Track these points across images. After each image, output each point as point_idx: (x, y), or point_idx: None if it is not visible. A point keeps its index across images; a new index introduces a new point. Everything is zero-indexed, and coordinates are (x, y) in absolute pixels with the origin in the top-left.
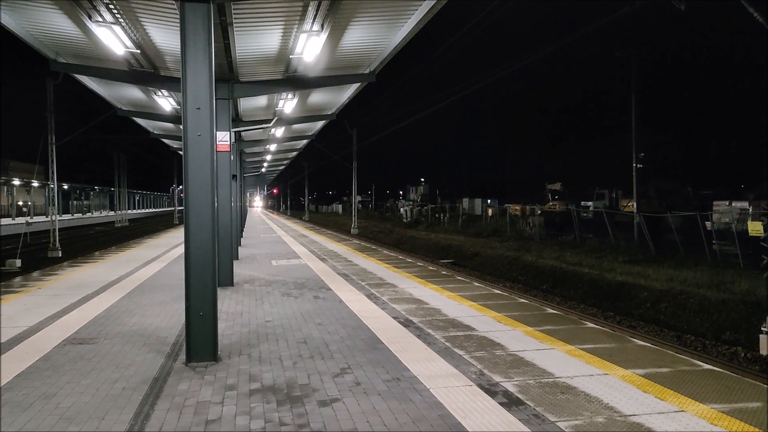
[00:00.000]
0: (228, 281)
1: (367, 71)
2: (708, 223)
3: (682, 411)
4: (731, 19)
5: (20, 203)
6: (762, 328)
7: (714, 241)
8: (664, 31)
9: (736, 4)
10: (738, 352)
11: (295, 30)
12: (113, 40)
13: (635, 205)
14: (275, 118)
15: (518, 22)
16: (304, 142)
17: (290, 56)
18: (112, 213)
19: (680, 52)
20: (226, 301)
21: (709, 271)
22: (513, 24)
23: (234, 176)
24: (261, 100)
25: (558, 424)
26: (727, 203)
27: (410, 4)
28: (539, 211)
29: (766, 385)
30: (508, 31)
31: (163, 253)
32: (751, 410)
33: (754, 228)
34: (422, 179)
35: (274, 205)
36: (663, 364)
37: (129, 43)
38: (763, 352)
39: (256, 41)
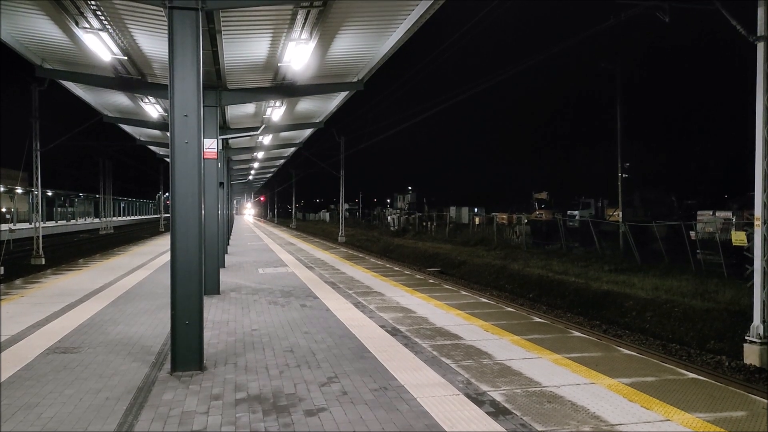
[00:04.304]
0: (214, 289)
1: (355, 80)
2: (692, 233)
3: (668, 420)
4: (714, 30)
5: (3, 210)
6: (746, 337)
7: (698, 251)
8: (649, 42)
9: (719, 16)
10: (722, 361)
11: (284, 38)
12: (100, 46)
13: (621, 215)
14: (263, 126)
15: (508, 26)
16: (292, 149)
17: (278, 64)
18: (96, 220)
19: (665, 60)
20: (212, 310)
21: (693, 280)
22: (502, 30)
23: (221, 184)
24: (249, 108)
25: None
26: (711, 213)
27: (399, 12)
28: (526, 220)
29: (750, 395)
30: (497, 38)
31: (149, 261)
32: (736, 419)
33: (738, 238)
34: (409, 188)
35: (261, 212)
36: (649, 373)
37: (116, 50)
38: (747, 361)
39: (245, 49)
